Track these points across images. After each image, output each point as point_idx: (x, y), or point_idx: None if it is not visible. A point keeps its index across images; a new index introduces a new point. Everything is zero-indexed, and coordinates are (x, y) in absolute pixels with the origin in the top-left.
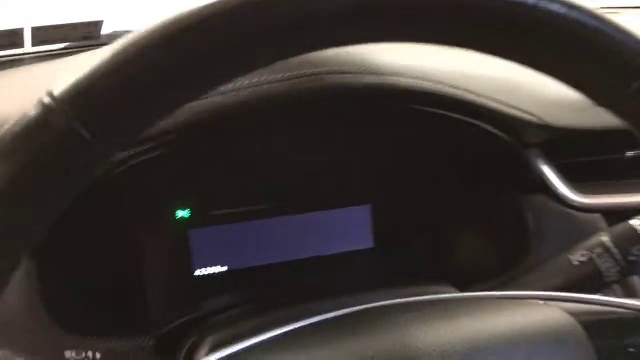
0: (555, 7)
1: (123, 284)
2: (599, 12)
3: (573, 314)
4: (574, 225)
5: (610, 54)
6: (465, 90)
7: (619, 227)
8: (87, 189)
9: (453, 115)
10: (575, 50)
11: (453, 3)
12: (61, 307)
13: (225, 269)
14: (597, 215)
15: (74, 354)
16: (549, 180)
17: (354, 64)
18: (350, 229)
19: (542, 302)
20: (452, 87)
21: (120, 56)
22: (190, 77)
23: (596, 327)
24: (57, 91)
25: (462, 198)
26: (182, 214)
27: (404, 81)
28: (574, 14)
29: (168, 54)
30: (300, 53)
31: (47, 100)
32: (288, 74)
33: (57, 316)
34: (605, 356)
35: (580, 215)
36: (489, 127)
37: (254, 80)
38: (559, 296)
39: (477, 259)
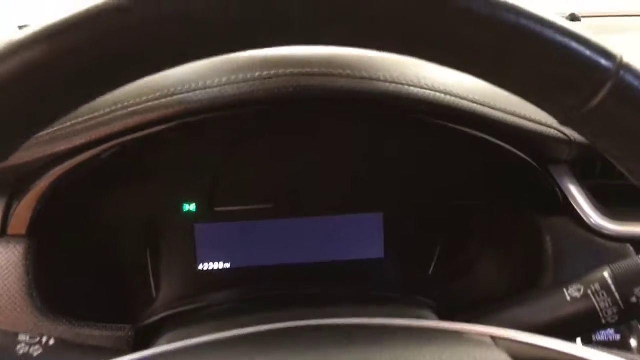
0: (515, 21)
1: (121, 273)
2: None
3: (517, 356)
4: (597, 253)
5: (563, 76)
6: (487, 105)
7: (625, 263)
8: (91, 176)
9: (473, 132)
10: (531, 66)
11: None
12: (50, 290)
13: (228, 265)
14: (626, 245)
15: (27, 338)
16: (574, 200)
17: (372, 70)
18: (360, 237)
19: (490, 340)
20: (474, 102)
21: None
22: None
23: None
24: None
25: (478, 215)
26: (188, 207)
27: (423, 93)
28: (528, 26)
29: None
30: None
31: None
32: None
33: (44, 298)
34: None
35: (606, 243)
36: (510, 145)
37: (256, 74)
38: (511, 336)
39: (486, 279)
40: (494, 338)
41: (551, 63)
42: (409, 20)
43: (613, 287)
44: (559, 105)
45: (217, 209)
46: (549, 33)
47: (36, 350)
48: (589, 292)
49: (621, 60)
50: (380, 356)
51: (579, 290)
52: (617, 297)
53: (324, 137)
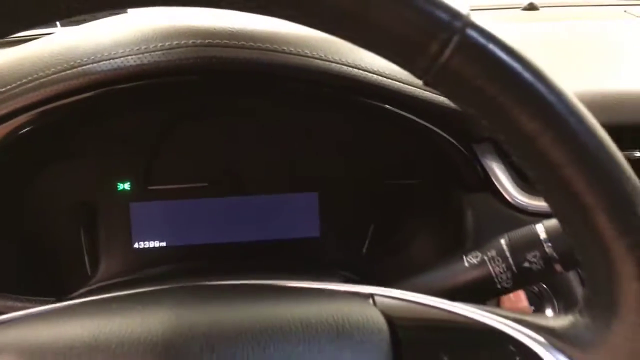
0: None
1: (54, 250)
2: None
3: (393, 313)
4: (515, 227)
5: (413, 36)
6: (401, 80)
7: (521, 231)
8: (19, 153)
9: (389, 107)
10: (385, 29)
11: None
12: None
13: (163, 244)
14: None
15: None
16: (495, 177)
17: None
18: (296, 216)
19: (369, 297)
20: (386, 76)
21: None
22: None
23: (412, 331)
24: None
25: (411, 193)
26: (123, 186)
27: (329, 65)
28: None
29: None
30: None
31: None
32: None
33: None
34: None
35: (525, 218)
36: (428, 121)
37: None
38: (392, 294)
39: (419, 256)
40: (373, 296)
41: (399, 23)
42: None
43: (507, 253)
44: (416, 65)
45: (151, 187)
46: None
47: None
48: (485, 258)
49: (467, 18)
50: (245, 312)
51: (477, 257)
52: (511, 262)
53: (259, 118)
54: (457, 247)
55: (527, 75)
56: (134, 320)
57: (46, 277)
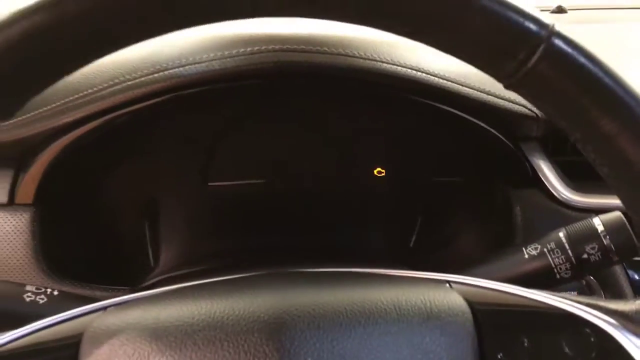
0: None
1: (121, 242)
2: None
3: (472, 298)
4: (563, 222)
5: (501, 42)
6: (457, 82)
7: (579, 224)
8: (93, 150)
9: (446, 107)
10: (473, 34)
11: None
12: (55, 254)
13: (221, 237)
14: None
15: (33, 288)
16: (543, 174)
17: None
18: (346, 211)
19: (446, 283)
20: (445, 79)
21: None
22: None
23: (492, 315)
24: None
25: (457, 190)
26: (184, 182)
27: (395, 69)
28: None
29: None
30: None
31: None
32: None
33: (50, 261)
34: (490, 345)
35: (572, 214)
36: (481, 121)
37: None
38: (466, 281)
39: (465, 251)
40: (449, 283)
41: (491, 31)
42: None
43: (567, 246)
44: (501, 69)
45: (210, 184)
46: (486, 3)
47: (41, 299)
48: (545, 250)
49: (552, 28)
50: (341, 296)
51: (536, 249)
52: (570, 254)
53: (312, 118)
54: (505, 242)
55: (607, 80)
56: (243, 301)
57: (114, 268)
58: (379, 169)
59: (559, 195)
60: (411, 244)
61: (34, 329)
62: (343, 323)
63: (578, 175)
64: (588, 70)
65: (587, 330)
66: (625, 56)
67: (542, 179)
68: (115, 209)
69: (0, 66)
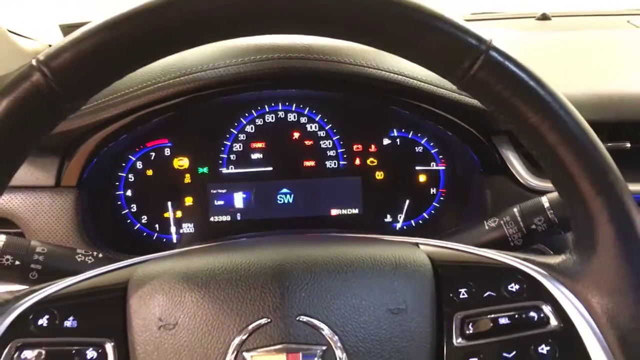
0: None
1: (149, 220)
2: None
3: (433, 255)
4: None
5: (452, 54)
6: (433, 84)
7: (530, 201)
8: (127, 142)
9: (424, 105)
10: (431, 48)
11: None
12: (96, 228)
13: (235, 218)
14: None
15: (83, 251)
16: (510, 163)
17: (340, 55)
18: (342, 196)
19: (415, 245)
20: (423, 81)
21: (84, 34)
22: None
23: (448, 267)
24: (42, 55)
25: (439, 177)
26: (202, 170)
27: (379, 73)
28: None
29: (116, 34)
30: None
31: (34, 61)
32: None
33: (91, 235)
34: (444, 288)
35: (533, 196)
36: (456, 117)
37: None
38: (431, 242)
39: (441, 226)
40: (418, 244)
41: (444, 46)
42: (351, 14)
43: (519, 218)
44: (453, 74)
45: (225, 171)
46: (440, 25)
47: (89, 260)
48: (502, 222)
49: (490, 43)
50: (329, 250)
51: (495, 221)
52: (522, 225)
53: (315, 115)
54: (477, 216)
55: (531, 83)
56: (253, 254)
57: (141, 243)
58: (371, 158)
59: (524, 180)
60: (399, 224)
61: (89, 275)
62: (329, 269)
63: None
64: (516, 75)
65: (520, 277)
66: (597, 61)
67: (510, 167)
68: (145, 189)
69: (89, 65)
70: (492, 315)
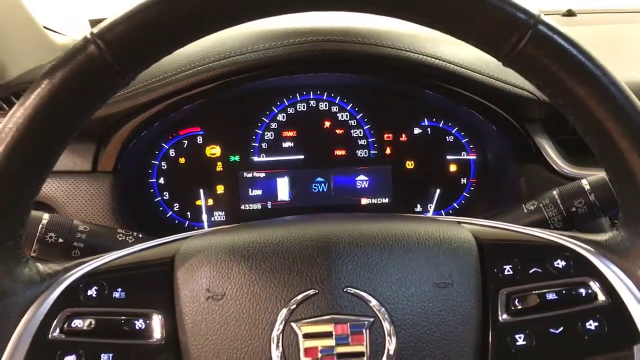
0: None
1: (181, 207)
2: None
3: (477, 233)
4: None
5: (499, 29)
6: (471, 69)
7: (570, 185)
8: (161, 129)
9: (459, 90)
10: (477, 23)
11: None
12: (131, 212)
13: (265, 206)
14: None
15: (123, 231)
16: (545, 151)
17: (377, 39)
18: (373, 185)
19: (457, 223)
20: (460, 66)
21: (138, 7)
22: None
23: (491, 244)
24: (96, 28)
25: (471, 165)
26: (234, 158)
27: (417, 57)
28: None
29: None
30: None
31: (88, 34)
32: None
33: (126, 218)
34: (489, 264)
35: (568, 182)
36: (492, 103)
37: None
38: (473, 221)
39: (474, 212)
40: (460, 223)
41: (491, 21)
42: None
43: (559, 201)
44: (500, 50)
45: (256, 159)
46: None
47: (130, 239)
48: (541, 205)
49: (538, 17)
50: (374, 226)
51: (533, 204)
52: (562, 207)
53: (346, 104)
54: (512, 202)
55: (580, 57)
56: (298, 228)
57: (174, 227)
58: (402, 148)
59: (558, 168)
60: (430, 212)
61: (136, 249)
62: (375, 243)
63: (575, 151)
64: (565, 49)
65: (567, 253)
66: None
67: (544, 155)
68: (177, 176)
69: (142, 37)
70: (539, 291)
